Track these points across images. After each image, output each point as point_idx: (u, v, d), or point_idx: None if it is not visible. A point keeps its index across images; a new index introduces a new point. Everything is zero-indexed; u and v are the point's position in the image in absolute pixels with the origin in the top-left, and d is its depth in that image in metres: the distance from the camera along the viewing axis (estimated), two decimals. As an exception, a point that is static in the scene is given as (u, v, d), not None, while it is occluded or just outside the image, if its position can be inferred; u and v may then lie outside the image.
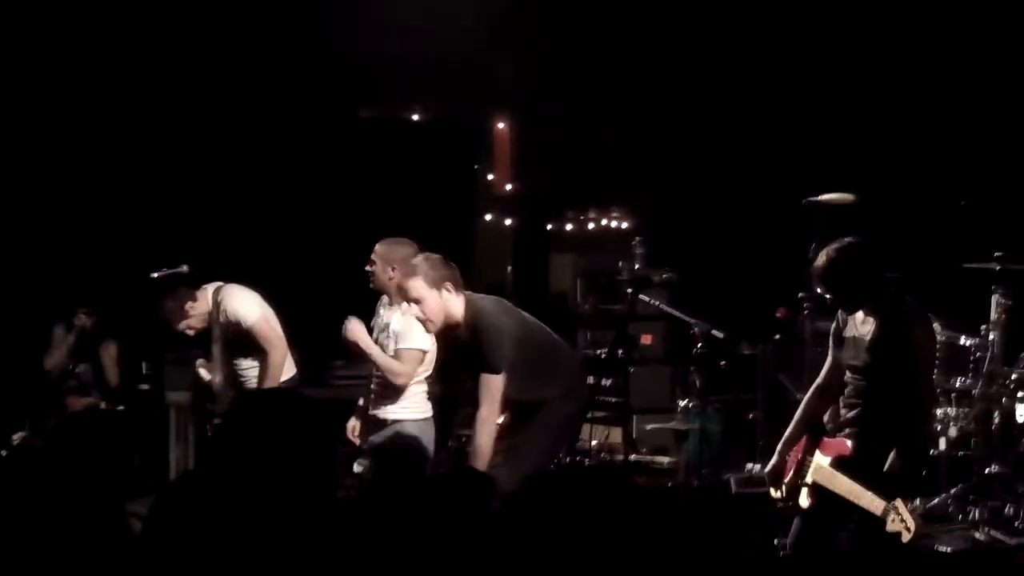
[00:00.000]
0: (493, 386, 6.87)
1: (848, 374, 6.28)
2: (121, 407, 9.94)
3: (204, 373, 8.66)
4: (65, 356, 10.27)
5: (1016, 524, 7.98)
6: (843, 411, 6.37)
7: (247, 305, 8.58)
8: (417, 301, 6.97)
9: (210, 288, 8.69)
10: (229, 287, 8.69)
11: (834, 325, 6.39)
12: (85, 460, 4.71)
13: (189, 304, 8.59)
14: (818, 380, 6.57)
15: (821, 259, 6.18)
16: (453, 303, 6.96)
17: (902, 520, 5.83)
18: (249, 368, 8.65)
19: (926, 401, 6.39)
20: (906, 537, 5.82)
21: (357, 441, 8.09)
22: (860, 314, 6.19)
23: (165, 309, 8.65)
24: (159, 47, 11.40)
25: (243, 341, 8.55)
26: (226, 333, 8.54)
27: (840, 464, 6.16)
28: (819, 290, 6.29)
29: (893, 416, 6.05)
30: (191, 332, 8.67)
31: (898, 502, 5.84)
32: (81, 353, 10.33)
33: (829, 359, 6.46)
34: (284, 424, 4.03)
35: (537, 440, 7.05)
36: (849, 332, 6.26)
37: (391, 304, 7.82)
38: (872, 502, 5.91)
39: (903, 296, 6.15)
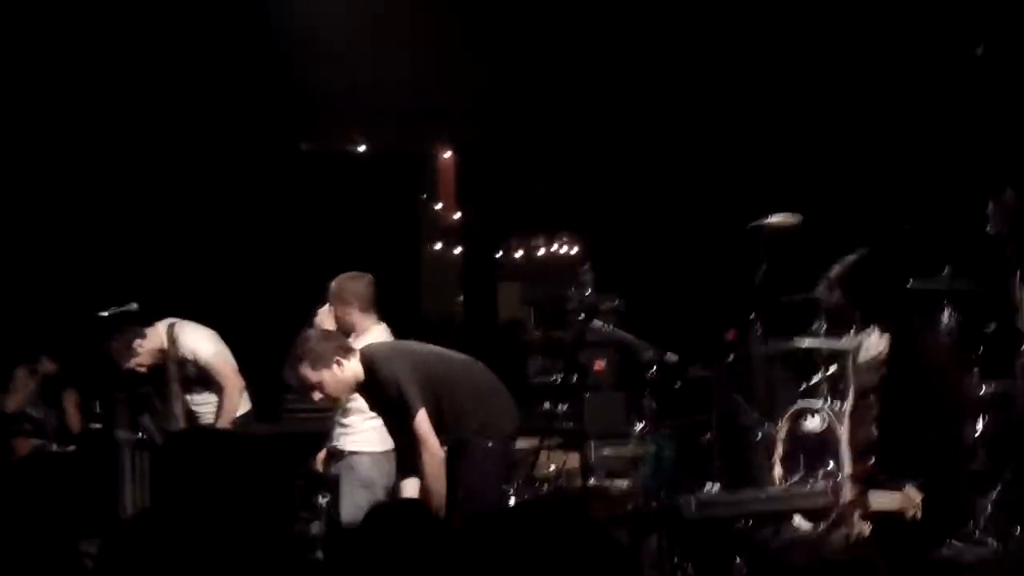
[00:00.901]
0: (422, 428, 6.87)
1: (871, 397, 6.30)
2: (71, 448, 9.88)
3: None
4: (26, 399, 10.20)
5: (975, 535, 8.01)
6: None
7: (202, 341, 8.59)
8: (313, 389, 6.94)
9: (162, 325, 8.68)
10: (183, 323, 8.69)
11: (850, 355, 6.40)
12: (35, 502, 4.69)
13: (138, 342, 8.58)
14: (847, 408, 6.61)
15: (841, 265, 6.17)
16: (349, 370, 6.95)
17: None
18: (204, 404, 8.66)
19: (949, 413, 6.34)
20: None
21: (320, 469, 8.10)
22: (875, 335, 6.20)
23: (112, 348, 8.65)
24: (99, 84, 11.35)
25: (198, 377, 8.56)
26: (182, 369, 8.53)
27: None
28: (834, 298, 6.27)
29: (915, 434, 6.04)
30: (142, 369, 8.66)
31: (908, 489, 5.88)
32: (44, 398, 10.27)
33: (852, 388, 6.47)
34: (216, 462, 4.02)
35: (471, 488, 7.05)
36: (863, 356, 6.27)
37: (355, 338, 7.83)
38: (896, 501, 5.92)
39: (911, 310, 6.16)
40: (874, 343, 6.21)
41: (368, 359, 7.00)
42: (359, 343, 7.61)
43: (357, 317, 7.77)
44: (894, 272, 6.17)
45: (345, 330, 7.83)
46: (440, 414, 7.05)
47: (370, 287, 7.81)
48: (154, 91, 11.57)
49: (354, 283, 7.84)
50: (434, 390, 7.00)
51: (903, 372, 6.08)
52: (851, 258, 6.21)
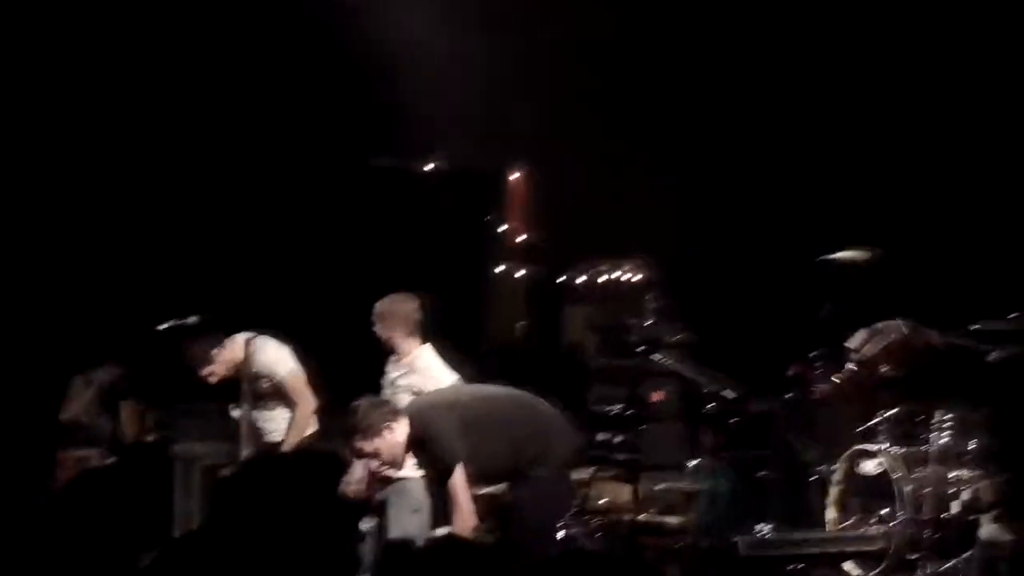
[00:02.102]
0: (457, 483, 6.87)
1: None
2: (113, 459, 9.89)
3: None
4: (81, 408, 10.24)
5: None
6: None
7: (281, 358, 8.56)
8: (371, 458, 6.99)
9: (241, 337, 8.66)
10: (262, 338, 8.68)
11: None
12: (85, 522, 4.69)
13: (216, 351, 8.58)
14: None
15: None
16: (400, 432, 6.97)
17: None
18: (270, 421, 8.64)
19: None
20: None
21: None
22: None
23: (189, 352, 8.65)
24: (176, 93, 11.43)
25: (271, 393, 8.53)
26: (253, 384, 8.51)
27: None
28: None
29: None
30: (214, 379, 8.65)
31: None
32: (103, 407, 10.30)
33: None
34: (294, 488, 4.00)
35: (534, 518, 7.03)
36: None
37: (398, 359, 7.79)
38: None
39: None
40: None
41: (416, 415, 7.00)
42: (401, 366, 7.57)
43: (399, 340, 7.73)
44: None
45: (388, 350, 7.79)
46: (492, 455, 7.06)
47: (417, 310, 7.75)
48: (229, 102, 11.62)
49: (401, 306, 7.79)
50: (479, 432, 6.96)
51: None
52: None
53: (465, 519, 6.89)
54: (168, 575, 4.00)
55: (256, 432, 8.66)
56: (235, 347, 8.60)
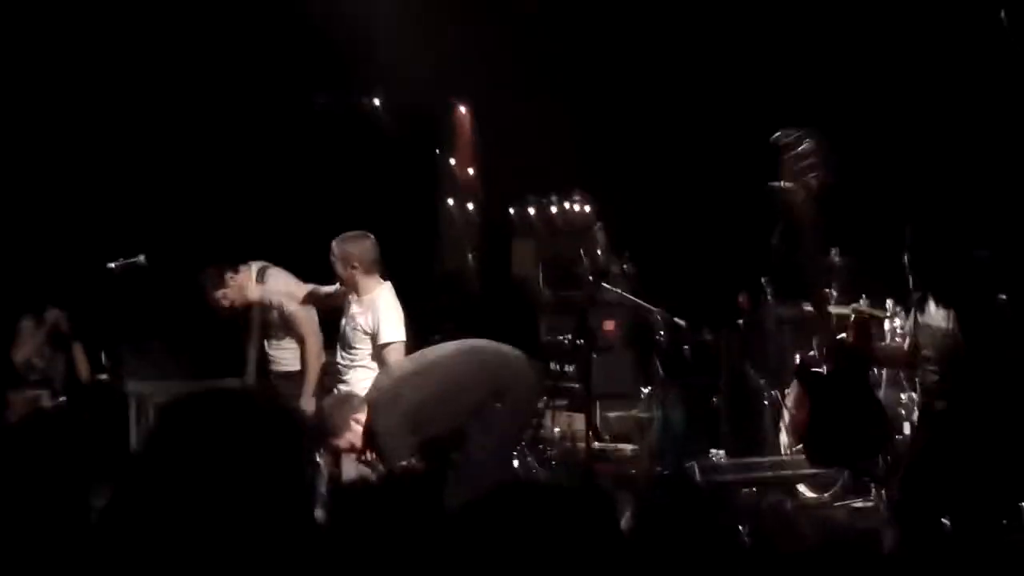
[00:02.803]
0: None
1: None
2: (63, 399, 9.86)
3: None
4: (32, 350, 10.19)
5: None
6: None
7: (291, 292, 8.54)
8: (350, 450, 7.28)
9: (255, 266, 8.65)
10: (275, 269, 8.67)
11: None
12: (38, 462, 4.67)
13: (230, 274, 8.57)
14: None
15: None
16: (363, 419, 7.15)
17: None
18: (278, 350, 8.64)
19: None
20: None
21: None
22: (933, 307, 6.13)
23: (205, 275, 8.64)
24: (109, 38, 11.32)
25: (279, 325, 8.52)
26: (265, 313, 8.50)
27: None
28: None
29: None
30: (225, 303, 8.62)
31: None
32: (52, 348, 10.26)
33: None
34: (223, 421, 3.99)
35: (481, 449, 7.13)
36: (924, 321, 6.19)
37: (359, 298, 7.77)
38: None
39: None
40: (936, 315, 6.09)
41: (369, 409, 7.14)
42: (363, 303, 7.58)
43: (359, 277, 7.70)
44: (957, 244, 6.03)
45: (349, 289, 7.78)
46: (441, 429, 7.24)
47: (373, 248, 7.71)
48: (168, 42, 11.52)
49: (356, 244, 7.73)
50: (427, 416, 7.16)
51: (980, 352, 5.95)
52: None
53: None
54: (122, 513, 3.96)
55: (266, 360, 8.67)
56: (249, 274, 8.60)
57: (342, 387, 7.84)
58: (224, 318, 8.71)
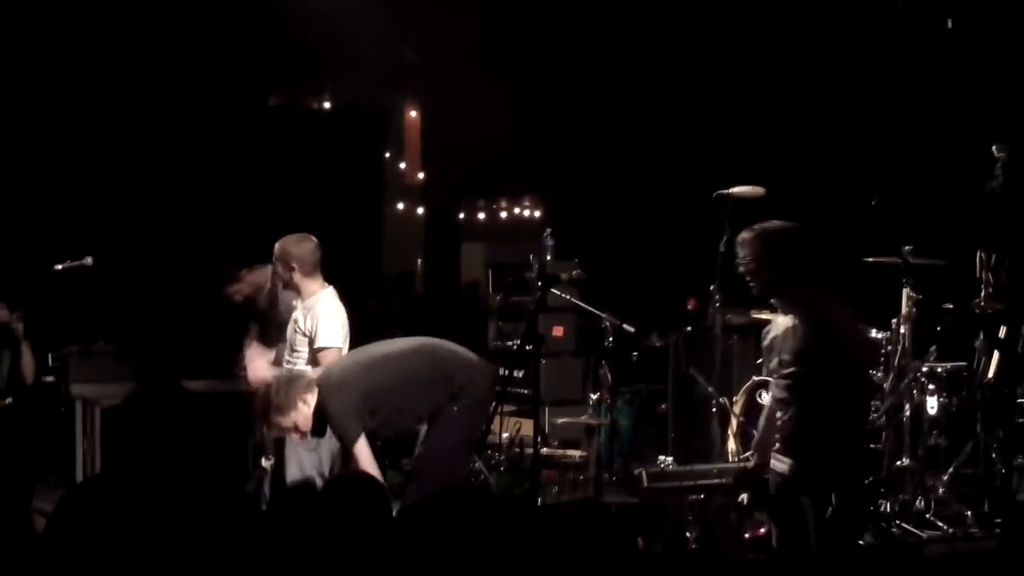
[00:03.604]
0: (361, 455, 6.99)
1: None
2: (9, 400, 9.76)
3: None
4: None
5: (927, 517, 8.03)
6: None
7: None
8: (291, 431, 7.15)
9: (270, 268, 8.64)
10: None
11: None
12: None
13: (244, 271, 8.59)
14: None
15: (750, 232, 6.02)
16: (313, 402, 7.07)
17: None
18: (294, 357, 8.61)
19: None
20: None
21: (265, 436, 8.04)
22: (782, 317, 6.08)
23: (223, 268, 8.66)
24: (54, 29, 11.24)
25: (286, 324, 8.51)
26: (272, 312, 8.49)
27: None
28: (741, 263, 6.10)
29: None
30: (238, 298, 8.64)
31: None
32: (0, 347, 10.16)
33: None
34: (169, 422, 4.00)
35: (439, 449, 7.14)
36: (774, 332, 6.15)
37: (302, 300, 7.75)
38: None
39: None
40: (782, 322, 6.08)
41: (320, 391, 7.06)
42: (305, 306, 7.56)
43: (300, 280, 7.67)
44: (814, 247, 6.01)
45: (291, 290, 7.76)
46: (395, 420, 7.25)
47: (315, 251, 7.67)
48: (118, 42, 11.45)
49: (297, 247, 7.69)
50: (378, 402, 7.10)
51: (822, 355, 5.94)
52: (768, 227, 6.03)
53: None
54: (71, 517, 3.97)
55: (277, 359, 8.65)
56: (264, 274, 8.61)
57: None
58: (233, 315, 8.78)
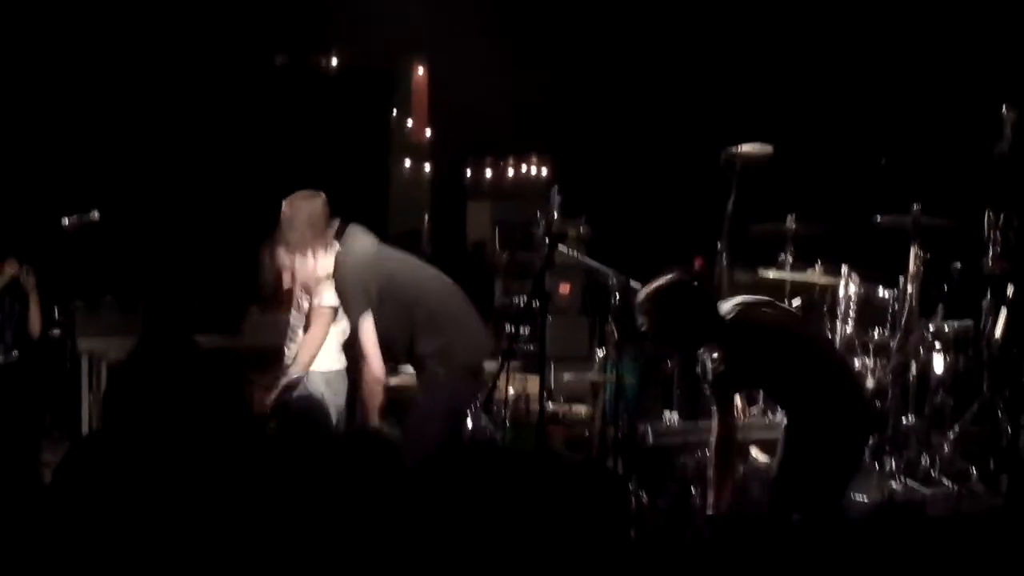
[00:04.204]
0: (364, 337, 6.98)
1: None
2: (16, 353, 9.76)
3: None
4: None
5: (932, 474, 8.04)
6: None
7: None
8: (283, 271, 7.15)
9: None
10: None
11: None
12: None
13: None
14: None
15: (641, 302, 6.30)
16: (321, 266, 7.05)
17: None
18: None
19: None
20: None
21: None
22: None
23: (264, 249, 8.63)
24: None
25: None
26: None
27: None
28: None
29: None
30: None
31: None
32: (6, 302, 10.15)
33: None
34: (172, 378, 3.99)
35: (423, 412, 7.09)
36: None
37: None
38: None
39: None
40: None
41: (338, 261, 7.03)
42: (319, 263, 7.54)
43: (310, 238, 7.64)
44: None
45: (301, 251, 7.73)
46: (413, 325, 7.10)
47: (324, 207, 7.63)
48: (127, 4, 11.43)
49: (307, 203, 7.64)
50: (408, 299, 7.04)
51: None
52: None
53: (373, 370, 6.99)
54: (77, 470, 3.97)
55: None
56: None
57: (292, 346, 7.78)
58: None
